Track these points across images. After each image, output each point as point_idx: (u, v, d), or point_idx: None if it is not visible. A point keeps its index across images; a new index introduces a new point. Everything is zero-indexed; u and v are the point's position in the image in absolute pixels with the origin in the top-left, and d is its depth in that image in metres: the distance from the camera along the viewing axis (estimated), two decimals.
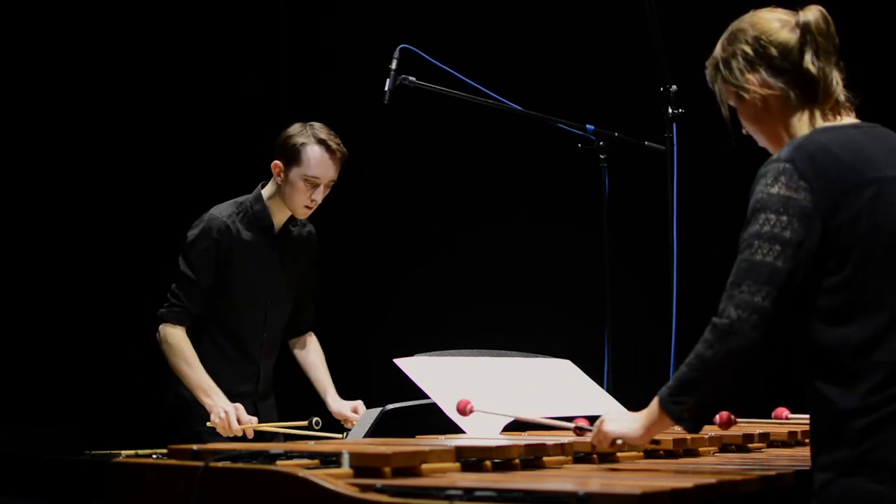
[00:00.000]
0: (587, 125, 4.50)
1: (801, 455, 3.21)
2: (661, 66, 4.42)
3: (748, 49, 2.69)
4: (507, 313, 5.99)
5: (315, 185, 4.30)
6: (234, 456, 2.45)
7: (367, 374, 5.50)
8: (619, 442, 2.78)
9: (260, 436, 4.29)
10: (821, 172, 2.56)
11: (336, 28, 6.63)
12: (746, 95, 2.71)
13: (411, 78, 4.31)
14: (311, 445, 2.69)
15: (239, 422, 4.14)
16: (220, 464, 2.42)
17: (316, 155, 4.30)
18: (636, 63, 5.20)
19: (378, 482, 2.28)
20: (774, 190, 2.58)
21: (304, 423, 4.26)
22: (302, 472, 2.28)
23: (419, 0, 6.29)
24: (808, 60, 2.65)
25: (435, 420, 3.45)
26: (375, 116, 5.08)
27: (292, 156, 4.30)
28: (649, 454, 3.06)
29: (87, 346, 5.90)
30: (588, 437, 2.84)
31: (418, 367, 3.66)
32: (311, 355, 4.64)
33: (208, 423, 4.17)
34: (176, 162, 6.20)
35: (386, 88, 4.29)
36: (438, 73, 4.37)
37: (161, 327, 4.30)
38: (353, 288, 6.42)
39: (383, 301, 6.42)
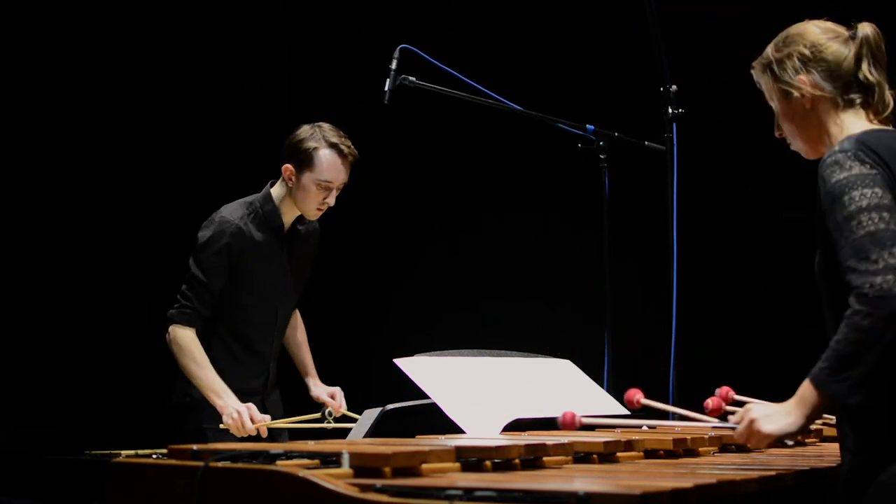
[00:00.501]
0: (587, 125, 4.50)
1: (801, 455, 3.21)
2: (661, 66, 4.42)
3: (805, 51, 2.83)
4: (508, 313, 5.99)
5: (328, 189, 4.30)
6: (234, 456, 2.45)
7: (368, 374, 5.50)
8: (788, 443, 2.80)
9: (276, 434, 4.30)
10: (883, 160, 2.67)
11: (336, 28, 6.62)
12: (795, 93, 2.83)
13: (411, 78, 4.31)
14: (311, 445, 2.69)
15: (252, 421, 4.15)
16: (220, 464, 2.42)
17: (329, 159, 4.29)
18: (636, 63, 5.20)
19: (378, 482, 2.28)
20: (855, 171, 2.65)
21: (318, 415, 4.27)
22: (302, 472, 2.28)
23: (419, 0, 6.29)
24: (866, 69, 2.82)
25: (435, 420, 3.45)
26: (375, 116, 5.08)
27: (304, 160, 4.29)
28: (649, 454, 3.06)
29: (88, 347, 5.90)
30: (735, 435, 2.80)
31: (418, 367, 3.66)
32: (298, 334, 4.67)
33: (221, 425, 4.16)
34: (176, 162, 6.19)
35: (386, 88, 4.29)
36: (438, 73, 4.37)
37: (171, 328, 4.28)
38: (354, 288, 6.42)
39: (384, 301, 6.42)
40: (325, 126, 4.34)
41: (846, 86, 2.82)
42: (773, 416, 2.71)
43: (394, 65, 4.30)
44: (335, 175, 4.30)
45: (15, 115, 5.82)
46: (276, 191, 4.39)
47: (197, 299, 4.27)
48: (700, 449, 3.17)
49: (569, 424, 3.03)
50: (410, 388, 3.64)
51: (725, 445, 3.28)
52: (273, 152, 4.47)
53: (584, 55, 5.94)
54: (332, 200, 4.33)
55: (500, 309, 6.00)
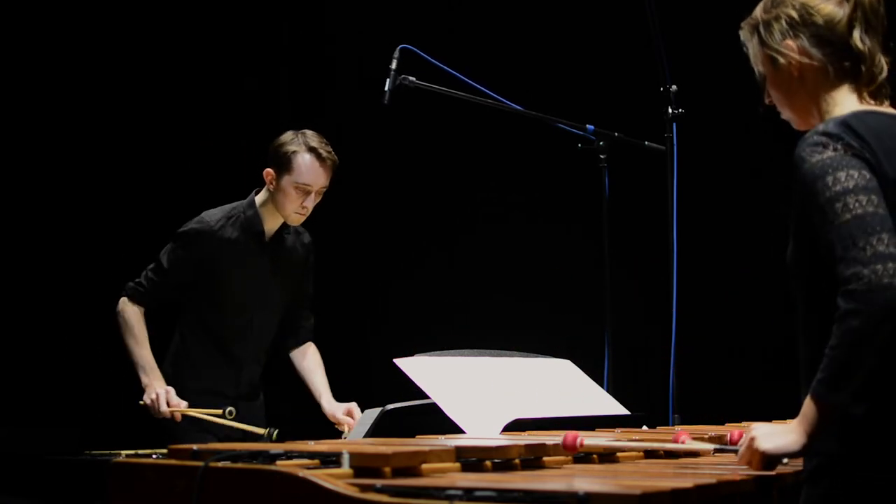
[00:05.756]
0: (587, 125, 4.50)
1: None
2: (661, 66, 4.42)
3: (794, 13, 2.61)
4: (508, 313, 5.99)
5: (306, 193, 4.37)
6: (234, 456, 2.45)
7: (368, 374, 5.50)
8: (784, 461, 2.59)
9: (191, 420, 4.36)
10: (869, 145, 2.47)
11: (336, 28, 6.63)
12: (782, 60, 2.62)
13: (411, 78, 4.31)
14: (311, 445, 2.69)
15: (168, 405, 4.25)
16: (220, 464, 2.41)
17: (307, 163, 4.36)
18: (636, 63, 5.20)
19: (378, 482, 2.28)
20: (828, 154, 2.45)
21: (219, 411, 4.32)
22: (302, 472, 2.28)
23: (419, 1, 6.29)
24: (857, 36, 2.58)
25: (435, 420, 3.45)
26: (375, 116, 5.08)
27: (284, 164, 4.37)
28: (649, 454, 3.06)
29: (88, 347, 5.89)
30: (738, 458, 2.61)
31: (418, 367, 3.66)
32: (308, 361, 4.67)
33: (140, 402, 4.29)
34: (176, 161, 6.20)
35: (386, 88, 4.30)
36: (438, 73, 4.37)
37: (121, 300, 4.46)
38: (354, 288, 6.42)
39: (384, 301, 6.42)
40: (308, 132, 4.43)
41: (836, 53, 2.58)
42: (773, 435, 2.52)
43: (394, 65, 4.30)
44: (313, 178, 4.37)
45: (17, 114, 5.82)
46: (260, 197, 4.49)
47: (153, 284, 4.44)
48: (700, 449, 3.17)
49: (570, 447, 2.83)
50: (410, 388, 3.65)
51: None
52: (265, 160, 4.48)
53: (584, 55, 5.94)
54: (310, 204, 4.40)
55: (500, 309, 6.00)
